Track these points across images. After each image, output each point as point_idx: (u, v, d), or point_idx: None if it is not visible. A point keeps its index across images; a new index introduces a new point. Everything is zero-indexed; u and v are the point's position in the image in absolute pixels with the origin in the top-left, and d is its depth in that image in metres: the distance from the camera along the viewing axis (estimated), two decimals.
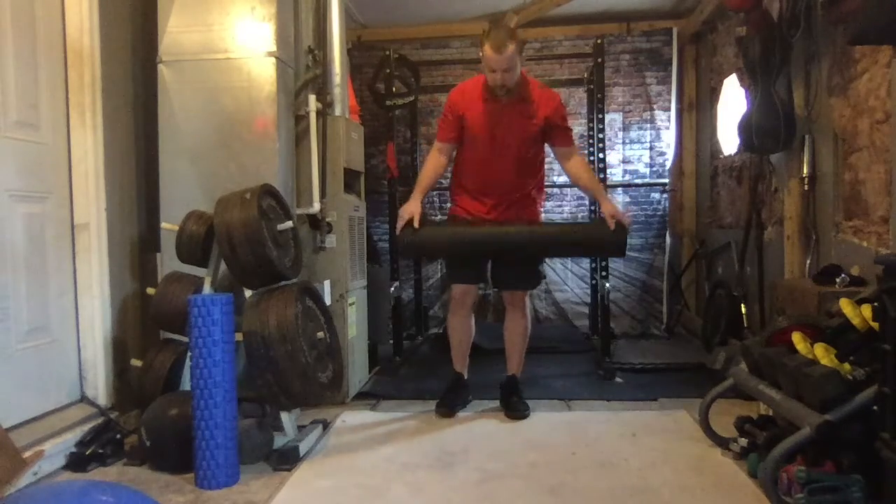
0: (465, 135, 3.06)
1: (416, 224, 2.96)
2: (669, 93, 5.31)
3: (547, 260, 5.41)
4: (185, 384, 2.76)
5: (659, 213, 5.35)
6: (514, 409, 3.08)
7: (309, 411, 3.06)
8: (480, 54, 2.89)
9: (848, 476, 1.89)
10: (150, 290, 2.83)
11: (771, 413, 2.49)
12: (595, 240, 3.03)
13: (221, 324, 2.32)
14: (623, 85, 5.35)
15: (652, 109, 5.34)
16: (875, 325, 1.95)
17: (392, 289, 4.40)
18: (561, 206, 5.42)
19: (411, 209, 3.00)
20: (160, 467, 2.49)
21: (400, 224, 3.01)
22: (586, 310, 5.21)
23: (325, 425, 2.95)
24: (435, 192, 5.41)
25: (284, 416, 2.66)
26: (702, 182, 5.34)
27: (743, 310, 3.96)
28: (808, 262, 3.28)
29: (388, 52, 4.54)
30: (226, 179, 2.96)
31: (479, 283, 3.23)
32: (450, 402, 3.14)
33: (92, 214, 2.87)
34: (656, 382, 3.68)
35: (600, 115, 4.28)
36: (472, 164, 3.09)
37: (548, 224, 3.13)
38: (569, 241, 3.08)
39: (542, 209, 3.29)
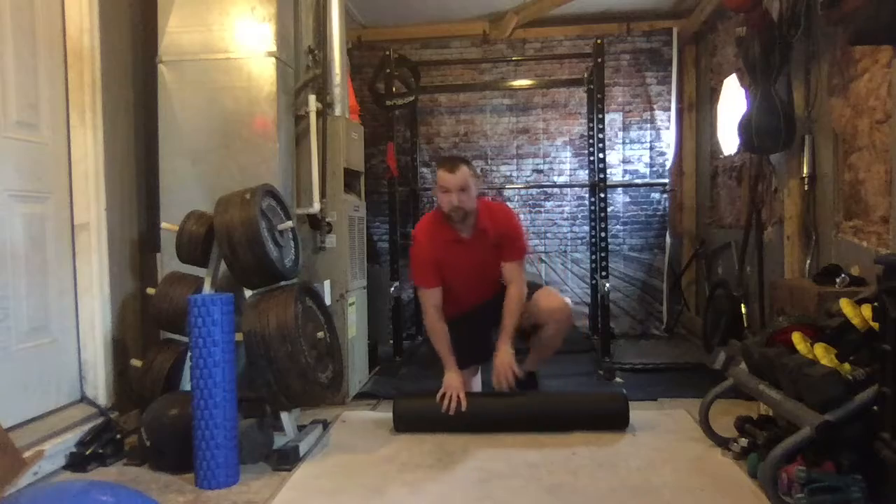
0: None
1: (463, 402, 2.83)
2: (669, 93, 5.30)
3: (546, 259, 5.43)
4: (185, 384, 2.76)
5: (659, 213, 5.35)
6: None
7: (309, 411, 3.06)
8: (435, 185, 2.95)
9: (848, 476, 1.89)
10: (150, 290, 2.83)
11: (771, 413, 2.48)
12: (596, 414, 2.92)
13: (221, 324, 2.32)
14: (623, 85, 5.35)
15: (652, 109, 5.34)
16: (875, 325, 1.95)
17: (392, 289, 4.41)
18: (561, 206, 5.42)
19: (457, 385, 2.86)
20: (160, 467, 2.49)
21: (451, 399, 2.83)
22: (586, 310, 5.21)
23: (325, 425, 2.95)
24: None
25: (284, 416, 2.66)
26: (702, 182, 5.34)
27: (743, 310, 3.96)
28: (808, 262, 3.28)
29: (388, 52, 4.54)
30: (226, 179, 2.96)
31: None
32: None
33: (92, 214, 2.87)
34: (656, 382, 3.68)
35: (600, 115, 4.28)
36: (452, 298, 3.03)
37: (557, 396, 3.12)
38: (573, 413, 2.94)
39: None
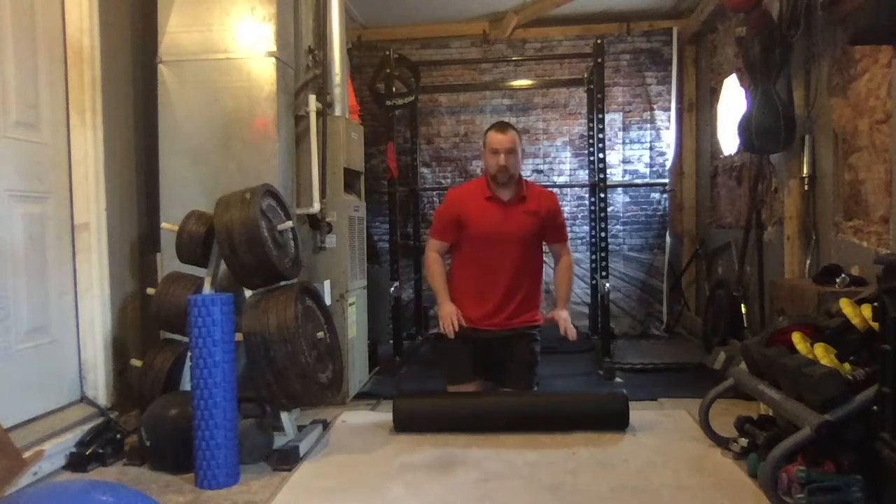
0: (464, 235, 2.93)
1: (462, 322, 2.82)
2: (669, 93, 5.31)
3: (546, 259, 5.42)
4: (185, 384, 2.76)
5: (659, 213, 5.35)
6: None
7: (309, 411, 3.06)
8: (482, 146, 2.95)
9: (848, 476, 1.89)
10: (150, 290, 2.83)
11: (771, 413, 2.48)
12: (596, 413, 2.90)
13: (221, 324, 2.32)
14: (623, 85, 5.35)
15: (652, 109, 5.35)
16: (875, 325, 1.95)
17: (392, 289, 4.41)
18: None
19: (452, 310, 2.84)
20: (160, 467, 2.49)
21: (447, 325, 2.82)
22: (586, 310, 5.21)
23: (325, 425, 2.95)
24: (435, 193, 5.41)
25: (284, 416, 2.66)
26: (702, 182, 5.34)
27: (743, 310, 3.96)
28: (808, 262, 3.28)
29: (388, 52, 4.55)
30: (226, 179, 2.96)
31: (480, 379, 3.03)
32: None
33: (92, 214, 2.87)
34: (656, 382, 3.68)
35: (600, 115, 4.28)
36: (472, 266, 2.95)
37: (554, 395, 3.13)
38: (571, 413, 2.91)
39: (541, 310, 3.14)
